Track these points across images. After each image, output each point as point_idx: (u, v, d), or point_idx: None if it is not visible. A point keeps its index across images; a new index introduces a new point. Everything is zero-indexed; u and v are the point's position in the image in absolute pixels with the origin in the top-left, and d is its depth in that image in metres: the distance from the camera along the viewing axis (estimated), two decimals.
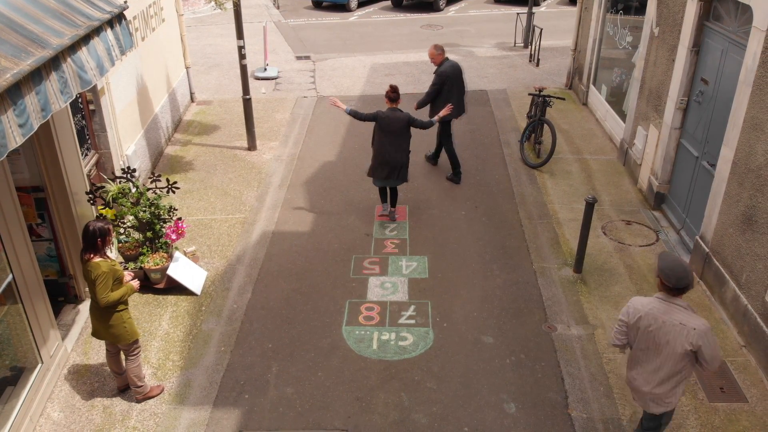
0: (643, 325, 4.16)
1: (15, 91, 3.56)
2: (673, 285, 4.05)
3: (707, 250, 6.68)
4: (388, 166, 7.64)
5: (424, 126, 7.78)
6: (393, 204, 8.08)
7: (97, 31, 4.96)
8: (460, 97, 8.68)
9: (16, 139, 3.38)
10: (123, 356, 5.44)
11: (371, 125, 7.83)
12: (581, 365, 5.71)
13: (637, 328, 4.22)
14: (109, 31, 5.19)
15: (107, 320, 5.03)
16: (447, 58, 8.64)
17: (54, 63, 4.14)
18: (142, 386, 5.31)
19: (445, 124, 8.76)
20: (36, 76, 3.84)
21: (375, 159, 7.73)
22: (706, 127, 7.15)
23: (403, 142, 7.61)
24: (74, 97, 4.30)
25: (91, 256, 4.88)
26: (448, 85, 8.44)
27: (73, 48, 4.49)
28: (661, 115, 8.13)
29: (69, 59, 4.39)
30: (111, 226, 5.01)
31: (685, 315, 4.08)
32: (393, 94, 7.62)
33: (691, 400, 5.36)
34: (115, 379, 5.50)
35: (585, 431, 5.07)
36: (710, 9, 7.14)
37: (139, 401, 5.37)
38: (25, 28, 4.28)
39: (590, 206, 6.61)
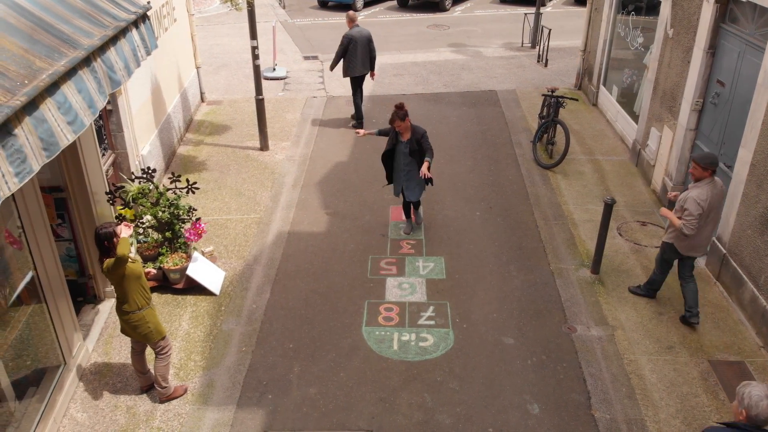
0: (710, 205, 5.66)
1: (54, 90, 3.57)
2: (715, 167, 5.64)
3: (724, 251, 6.70)
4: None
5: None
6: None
7: (124, 31, 4.97)
8: (365, 57, 10.42)
9: (67, 136, 3.39)
10: (150, 355, 5.45)
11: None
12: (602, 366, 5.73)
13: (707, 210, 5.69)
14: (134, 31, 5.20)
15: (132, 322, 5.04)
16: (357, 25, 10.32)
17: (86, 63, 4.15)
18: (166, 387, 5.31)
19: (355, 80, 10.56)
20: (73, 74, 3.86)
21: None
22: (722, 129, 7.17)
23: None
24: (108, 96, 4.31)
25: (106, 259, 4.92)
26: (352, 46, 10.20)
27: (102, 48, 4.50)
28: (675, 117, 8.15)
29: (99, 59, 4.40)
30: (113, 229, 4.92)
31: (718, 181, 5.74)
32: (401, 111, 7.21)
33: (713, 400, 5.39)
34: (138, 379, 5.50)
35: None
36: (726, 11, 7.16)
37: (162, 402, 5.38)
38: (56, 28, 4.29)
39: (609, 207, 6.62)
